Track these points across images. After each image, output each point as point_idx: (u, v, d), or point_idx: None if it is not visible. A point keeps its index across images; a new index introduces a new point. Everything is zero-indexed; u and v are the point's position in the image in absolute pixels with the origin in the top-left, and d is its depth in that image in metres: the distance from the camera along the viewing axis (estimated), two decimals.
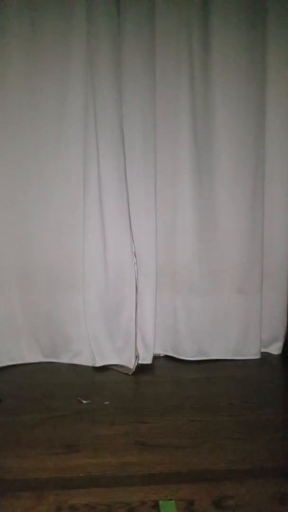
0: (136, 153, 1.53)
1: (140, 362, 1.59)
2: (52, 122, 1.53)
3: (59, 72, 1.51)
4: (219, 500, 0.87)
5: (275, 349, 1.75)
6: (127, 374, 1.55)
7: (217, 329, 1.66)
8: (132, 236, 1.54)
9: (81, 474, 0.95)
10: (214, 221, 1.62)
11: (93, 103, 1.48)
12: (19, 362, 1.63)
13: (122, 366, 1.60)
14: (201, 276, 1.64)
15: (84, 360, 1.63)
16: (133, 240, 1.54)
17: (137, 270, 1.56)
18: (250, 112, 1.56)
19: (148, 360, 1.61)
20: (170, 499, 0.86)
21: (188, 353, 1.66)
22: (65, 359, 1.65)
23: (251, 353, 1.68)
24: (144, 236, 1.56)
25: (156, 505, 0.85)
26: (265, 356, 1.72)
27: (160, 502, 0.86)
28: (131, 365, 1.57)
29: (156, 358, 1.67)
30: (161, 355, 1.72)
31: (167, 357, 1.71)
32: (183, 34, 1.52)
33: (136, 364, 1.57)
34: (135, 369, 1.56)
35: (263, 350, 1.74)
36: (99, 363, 1.61)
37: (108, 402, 1.32)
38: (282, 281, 1.71)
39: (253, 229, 1.63)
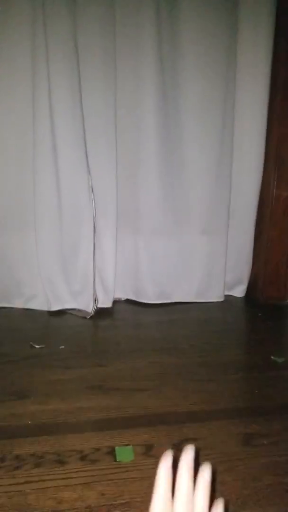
0: (94, 74, 1.34)
1: (99, 306, 1.50)
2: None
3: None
4: (180, 443, 0.81)
5: (239, 292, 1.71)
6: (85, 318, 1.46)
7: (180, 271, 1.58)
8: (89, 167, 1.38)
9: (29, 422, 0.87)
10: (180, 157, 1.48)
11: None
12: None
13: (79, 310, 1.50)
14: (165, 216, 1.53)
15: (39, 304, 1.51)
16: (89, 173, 1.38)
17: (95, 207, 1.42)
18: (220, 46, 1.40)
19: (108, 304, 1.52)
20: (127, 445, 0.80)
21: (150, 297, 1.58)
22: (17, 303, 1.53)
23: (215, 296, 1.63)
24: (103, 168, 1.40)
25: (111, 451, 0.78)
26: (228, 298, 1.67)
27: (116, 448, 0.79)
28: (89, 309, 1.47)
29: (116, 302, 1.58)
30: (122, 299, 1.63)
31: (128, 301, 1.62)
32: None
33: (94, 308, 1.48)
34: (94, 313, 1.47)
35: (227, 292, 1.69)
36: (54, 307, 1.50)
37: (63, 346, 1.22)
38: (249, 224, 1.63)
39: (220, 168, 1.51)
